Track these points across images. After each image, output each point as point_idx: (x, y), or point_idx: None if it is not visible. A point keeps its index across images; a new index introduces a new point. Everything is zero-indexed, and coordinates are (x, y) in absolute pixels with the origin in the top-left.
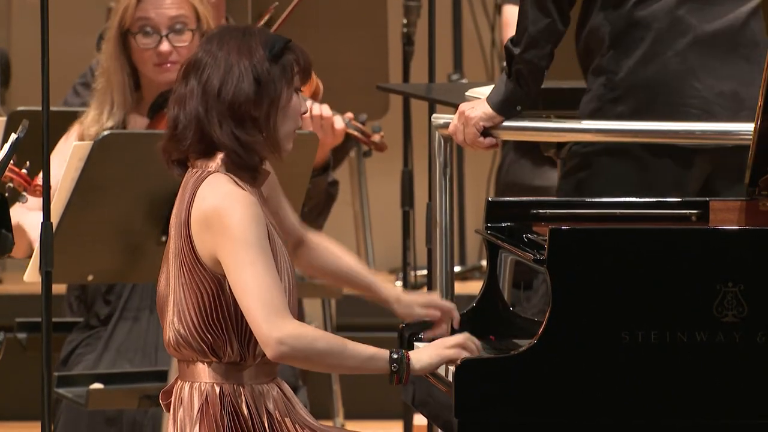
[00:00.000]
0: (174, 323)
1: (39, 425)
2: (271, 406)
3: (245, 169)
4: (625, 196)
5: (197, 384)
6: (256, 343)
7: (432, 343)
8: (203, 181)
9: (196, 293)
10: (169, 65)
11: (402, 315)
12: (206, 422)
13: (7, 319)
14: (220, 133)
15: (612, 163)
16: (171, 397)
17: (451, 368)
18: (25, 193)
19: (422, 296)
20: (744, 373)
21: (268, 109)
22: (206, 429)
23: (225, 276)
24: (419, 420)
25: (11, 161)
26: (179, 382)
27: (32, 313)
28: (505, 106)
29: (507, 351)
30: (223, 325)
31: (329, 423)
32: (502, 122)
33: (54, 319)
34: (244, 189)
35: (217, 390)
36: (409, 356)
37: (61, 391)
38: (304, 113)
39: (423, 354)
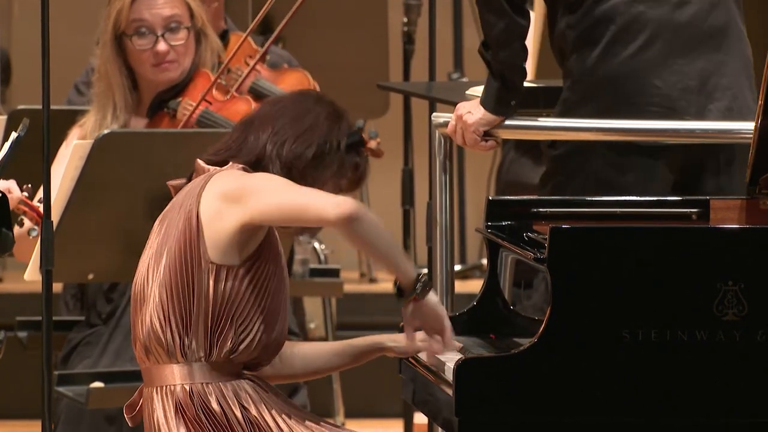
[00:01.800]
0: (150, 312)
1: (39, 424)
2: (243, 399)
3: None
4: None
5: (165, 387)
6: (224, 341)
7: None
8: (218, 172)
9: (179, 283)
10: (166, 64)
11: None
12: (186, 422)
13: (7, 317)
14: (276, 172)
15: (582, 163)
16: (135, 410)
17: (451, 366)
18: (36, 227)
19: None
20: (744, 371)
21: (313, 180)
22: (188, 428)
23: (218, 264)
24: (419, 419)
25: (26, 194)
26: (146, 390)
27: (33, 312)
28: (499, 107)
29: (507, 350)
30: (194, 319)
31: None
32: (503, 122)
33: (54, 318)
34: None
35: (187, 389)
36: (430, 289)
37: (61, 389)
38: None
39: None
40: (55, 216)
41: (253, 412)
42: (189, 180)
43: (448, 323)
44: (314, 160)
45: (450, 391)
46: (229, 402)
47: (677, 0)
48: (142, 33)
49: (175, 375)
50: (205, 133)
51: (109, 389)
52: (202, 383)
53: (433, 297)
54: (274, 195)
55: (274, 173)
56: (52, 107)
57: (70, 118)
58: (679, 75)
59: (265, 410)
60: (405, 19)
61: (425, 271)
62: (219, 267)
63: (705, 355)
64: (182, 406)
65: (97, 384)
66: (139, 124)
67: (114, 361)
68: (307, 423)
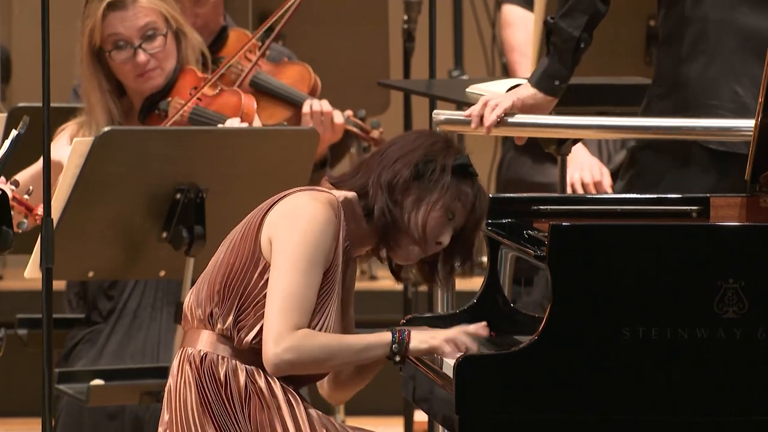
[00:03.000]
0: (200, 284)
1: (40, 421)
2: (256, 374)
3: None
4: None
5: (188, 350)
6: (247, 332)
7: (427, 330)
8: (310, 189)
9: (232, 259)
10: (149, 73)
11: None
12: (190, 384)
13: (7, 315)
14: (378, 196)
15: (652, 160)
16: None
17: (451, 363)
18: (25, 220)
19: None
20: (745, 369)
21: (415, 200)
22: (189, 390)
23: (268, 263)
24: (420, 416)
25: (14, 188)
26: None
27: (33, 310)
28: (542, 79)
29: (508, 347)
30: (231, 295)
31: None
32: (543, 100)
33: (54, 316)
34: (336, 219)
35: (201, 355)
36: (410, 337)
37: (61, 387)
38: (438, 245)
39: (416, 336)
40: (56, 214)
41: (261, 384)
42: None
43: (447, 335)
44: (415, 181)
45: (450, 389)
46: (238, 374)
47: None
48: (120, 46)
49: (203, 341)
50: (205, 130)
51: (110, 387)
52: (218, 355)
53: (416, 343)
54: (274, 276)
55: (377, 197)
56: (52, 105)
57: (71, 116)
58: (760, 86)
59: (278, 386)
60: (405, 17)
61: (389, 333)
62: (267, 265)
63: (705, 353)
64: (190, 368)
65: (98, 381)
66: None
67: (114, 359)
68: (323, 420)
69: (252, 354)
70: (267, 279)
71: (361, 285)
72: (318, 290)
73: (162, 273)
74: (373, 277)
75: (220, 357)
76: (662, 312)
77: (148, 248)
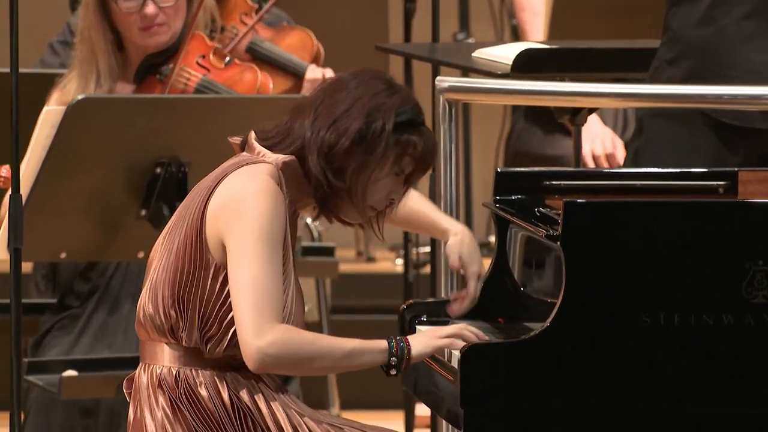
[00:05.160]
0: (148, 291)
1: (8, 415)
2: (235, 387)
3: (318, 202)
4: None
5: (154, 367)
6: (217, 343)
7: (425, 331)
8: (245, 165)
9: (179, 265)
10: (155, 28)
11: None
12: (166, 406)
13: None
14: (314, 163)
15: (660, 128)
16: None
17: (456, 353)
18: None
19: (465, 261)
20: None
21: (358, 168)
22: (165, 413)
23: (218, 262)
24: (421, 410)
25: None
26: (140, 365)
27: (0, 294)
28: None
29: (517, 335)
30: (190, 307)
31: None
32: None
33: (24, 301)
34: (280, 191)
35: (174, 372)
36: (409, 345)
37: (31, 378)
38: (392, 200)
39: (416, 342)
40: (25, 189)
41: (246, 399)
42: (243, 147)
43: (450, 331)
44: (354, 146)
45: (455, 381)
46: (219, 388)
47: None
48: None
49: (165, 356)
50: (187, 98)
51: (84, 378)
52: (191, 368)
53: (420, 349)
54: (236, 273)
55: (313, 164)
56: (22, 70)
57: (43, 81)
58: None
59: (262, 399)
60: None
61: (385, 343)
62: (219, 265)
63: (732, 341)
64: (163, 388)
65: (71, 372)
66: (125, 90)
67: (91, 347)
68: (305, 420)
69: (226, 359)
70: (222, 281)
71: (358, 267)
72: (282, 270)
73: (140, 254)
74: (371, 259)
75: (193, 370)
76: (685, 296)
77: (126, 227)
